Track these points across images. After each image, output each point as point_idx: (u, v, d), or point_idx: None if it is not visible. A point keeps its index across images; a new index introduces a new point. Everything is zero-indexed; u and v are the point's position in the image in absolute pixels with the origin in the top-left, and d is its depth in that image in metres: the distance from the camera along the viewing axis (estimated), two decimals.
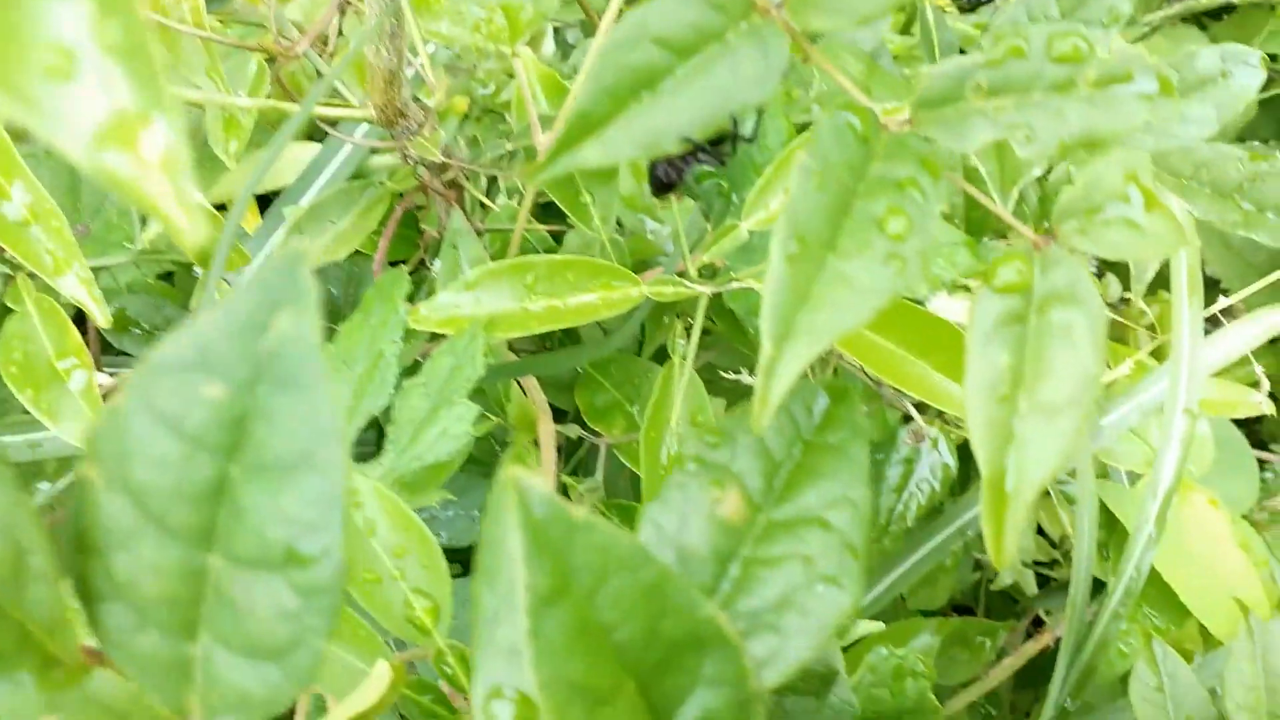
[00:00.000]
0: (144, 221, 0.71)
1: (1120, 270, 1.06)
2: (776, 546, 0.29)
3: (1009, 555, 0.27)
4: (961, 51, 0.72)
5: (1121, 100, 0.31)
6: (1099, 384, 0.28)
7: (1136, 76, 0.32)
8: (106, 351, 0.84)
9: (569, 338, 0.78)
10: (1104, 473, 0.82)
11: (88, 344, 0.85)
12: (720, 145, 0.33)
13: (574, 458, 0.79)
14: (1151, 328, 0.97)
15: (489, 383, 0.69)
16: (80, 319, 0.84)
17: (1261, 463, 1.12)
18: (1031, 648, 0.88)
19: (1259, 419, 1.30)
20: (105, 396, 0.75)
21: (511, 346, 0.75)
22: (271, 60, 0.65)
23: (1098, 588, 0.70)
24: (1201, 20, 1.30)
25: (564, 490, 0.72)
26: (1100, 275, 1.09)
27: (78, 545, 0.25)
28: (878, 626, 0.60)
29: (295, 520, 0.24)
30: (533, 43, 0.87)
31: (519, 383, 0.69)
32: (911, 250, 0.29)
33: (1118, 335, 1.07)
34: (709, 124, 0.32)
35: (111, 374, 0.76)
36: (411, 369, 0.60)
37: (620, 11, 0.47)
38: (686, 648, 0.26)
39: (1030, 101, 0.31)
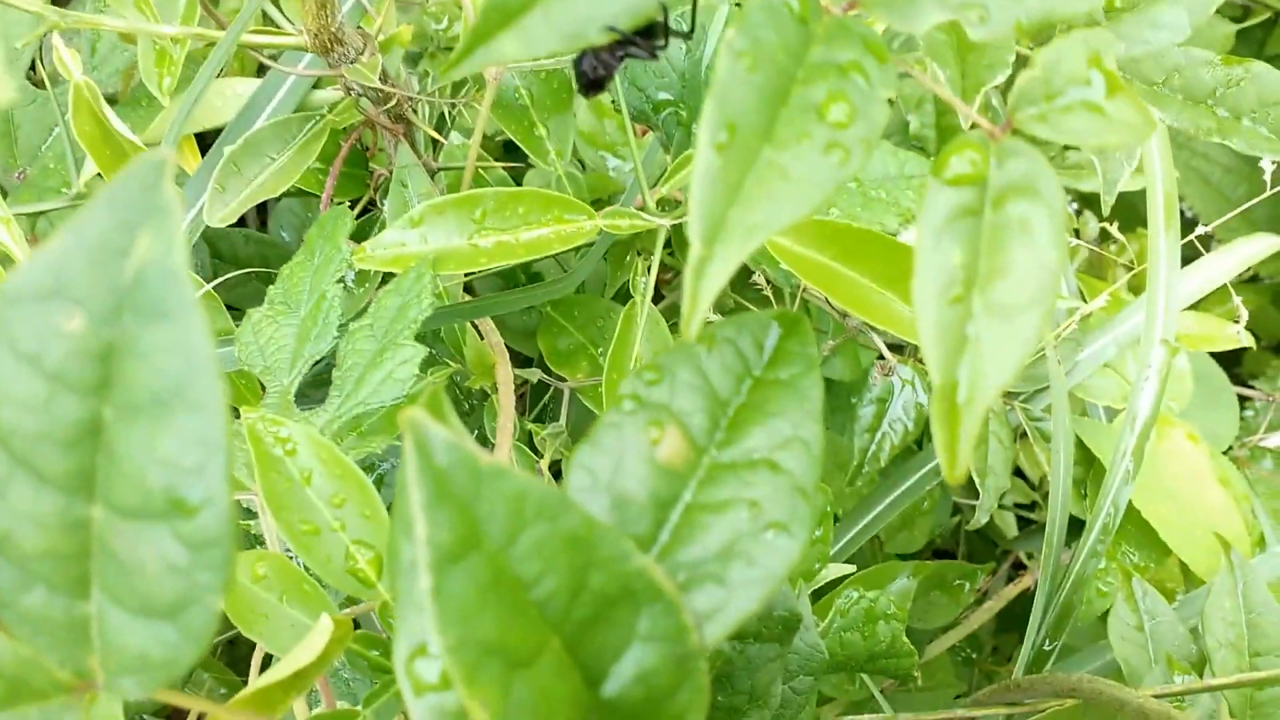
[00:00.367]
0: (79, 166, 0.68)
1: (1098, 207, 1.04)
2: (721, 491, 0.27)
3: (963, 469, 0.25)
4: None
5: None
6: (1059, 283, 0.26)
7: None
8: None
9: (532, 281, 0.75)
10: (1082, 410, 0.80)
11: None
12: (652, 37, 0.30)
13: (540, 403, 0.76)
14: (1130, 265, 0.95)
15: (446, 326, 0.66)
16: None
17: (1243, 399, 1.10)
18: (1012, 590, 0.87)
19: (1241, 356, 1.29)
20: None
21: (471, 289, 0.73)
22: None
23: (1078, 528, 0.68)
24: None
25: (528, 436, 0.70)
26: (1079, 213, 1.07)
27: None
28: (849, 569, 0.58)
29: (174, 465, 0.22)
30: None
31: (476, 327, 0.66)
32: (854, 138, 0.26)
33: (1097, 272, 1.05)
34: (637, 12, 0.29)
35: None
36: (363, 312, 0.57)
37: None
38: (618, 602, 0.23)
39: None
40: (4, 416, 0.22)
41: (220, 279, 0.67)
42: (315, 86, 0.68)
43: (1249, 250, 0.81)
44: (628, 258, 0.71)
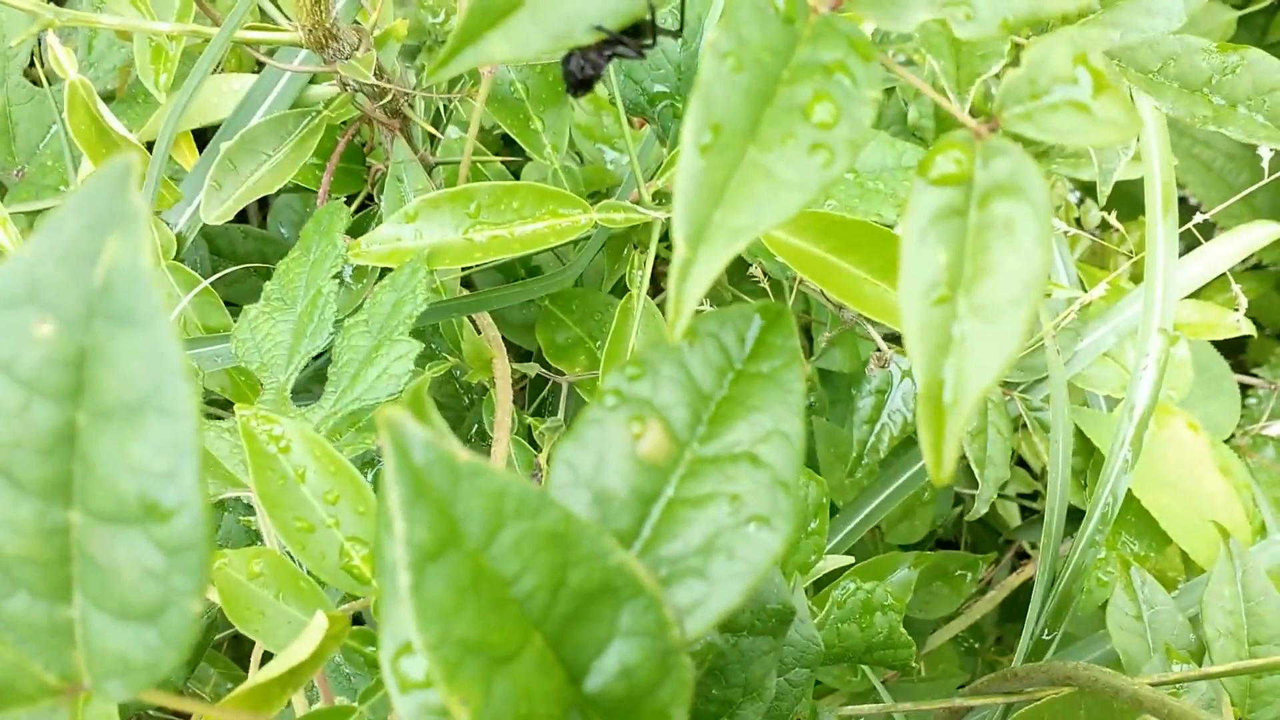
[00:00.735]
0: (77, 164, 0.68)
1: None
2: (703, 485, 0.27)
3: (948, 470, 0.25)
4: None
5: None
6: (1044, 283, 0.26)
7: None
8: None
9: (531, 275, 0.75)
10: (1083, 400, 0.80)
11: None
12: (639, 35, 0.30)
13: (539, 397, 0.76)
14: (1131, 254, 0.95)
15: (445, 321, 0.66)
16: None
17: (1246, 387, 1.10)
18: (1015, 580, 0.87)
19: (1244, 344, 1.29)
20: None
21: (470, 284, 0.73)
22: None
23: (1078, 517, 0.68)
24: None
25: (528, 430, 0.70)
26: (1080, 201, 1.06)
27: None
28: (848, 560, 0.58)
29: (146, 470, 0.22)
30: None
31: (474, 321, 0.66)
32: (840, 139, 0.26)
33: (1099, 262, 1.05)
34: (623, 11, 0.29)
35: None
36: (360, 308, 0.57)
37: None
38: (599, 598, 0.23)
39: None
40: None
41: (218, 275, 0.67)
42: (312, 82, 0.68)
43: (1249, 238, 0.81)
44: (625, 251, 0.71)
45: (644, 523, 0.27)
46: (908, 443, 0.78)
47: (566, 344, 0.70)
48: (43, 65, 0.74)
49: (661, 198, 0.61)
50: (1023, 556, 0.99)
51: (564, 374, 0.70)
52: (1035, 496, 0.99)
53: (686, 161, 0.25)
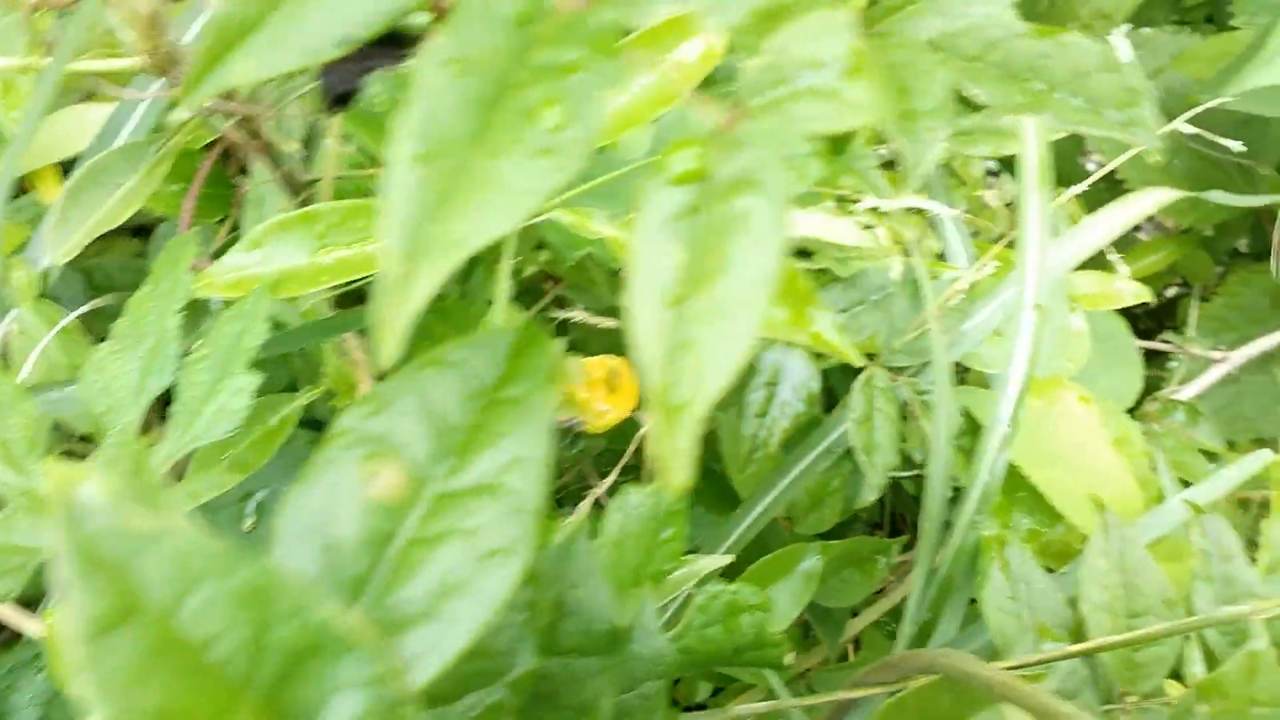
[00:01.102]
0: None
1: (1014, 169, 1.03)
2: (441, 522, 0.26)
3: (683, 475, 0.24)
4: None
5: None
6: (776, 278, 0.25)
7: None
8: None
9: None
10: (983, 380, 0.80)
11: None
12: (398, 44, 0.29)
13: None
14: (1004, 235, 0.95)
15: (311, 345, 0.65)
16: None
17: (1164, 354, 1.10)
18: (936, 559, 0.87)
19: (1174, 308, 1.30)
20: None
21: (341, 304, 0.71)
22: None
23: None
24: None
25: None
26: (996, 174, 1.06)
27: None
28: (725, 561, 0.58)
29: None
30: None
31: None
32: (570, 140, 0.25)
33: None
34: (372, 24, 0.29)
35: None
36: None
37: None
38: (310, 654, 0.23)
39: None
40: None
41: (81, 310, 0.66)
42: (173, 106, 0.67)
43: (1136, 207, 0.81)
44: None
45: (378, 567, 0.26)
46: (806, 431, 0.78)
47: None
48: None
49: None
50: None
51: None
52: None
53: (399, 174, 0.24)
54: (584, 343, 0.76)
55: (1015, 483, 0.68)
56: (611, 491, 0.70)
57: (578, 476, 0.80)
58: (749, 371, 0.73)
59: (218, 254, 0.66)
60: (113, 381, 0.54)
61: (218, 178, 0.70)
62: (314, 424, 0.73)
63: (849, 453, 0.74)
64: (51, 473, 0.41)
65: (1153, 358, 1.10)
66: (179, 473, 0.60)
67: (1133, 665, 0.53)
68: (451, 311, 0.70)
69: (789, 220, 0.26)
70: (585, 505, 0.67)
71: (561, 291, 0.75)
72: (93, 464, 0.49)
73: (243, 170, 0.72)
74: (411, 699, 0.22)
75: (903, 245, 0.73)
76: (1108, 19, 1.26)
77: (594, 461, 0.80)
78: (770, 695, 0.72)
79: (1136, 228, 1.12)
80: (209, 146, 0.68)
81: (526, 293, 0.81)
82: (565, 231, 0.57)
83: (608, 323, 0.66)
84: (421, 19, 0.34)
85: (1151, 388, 1.03)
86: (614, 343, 0.62)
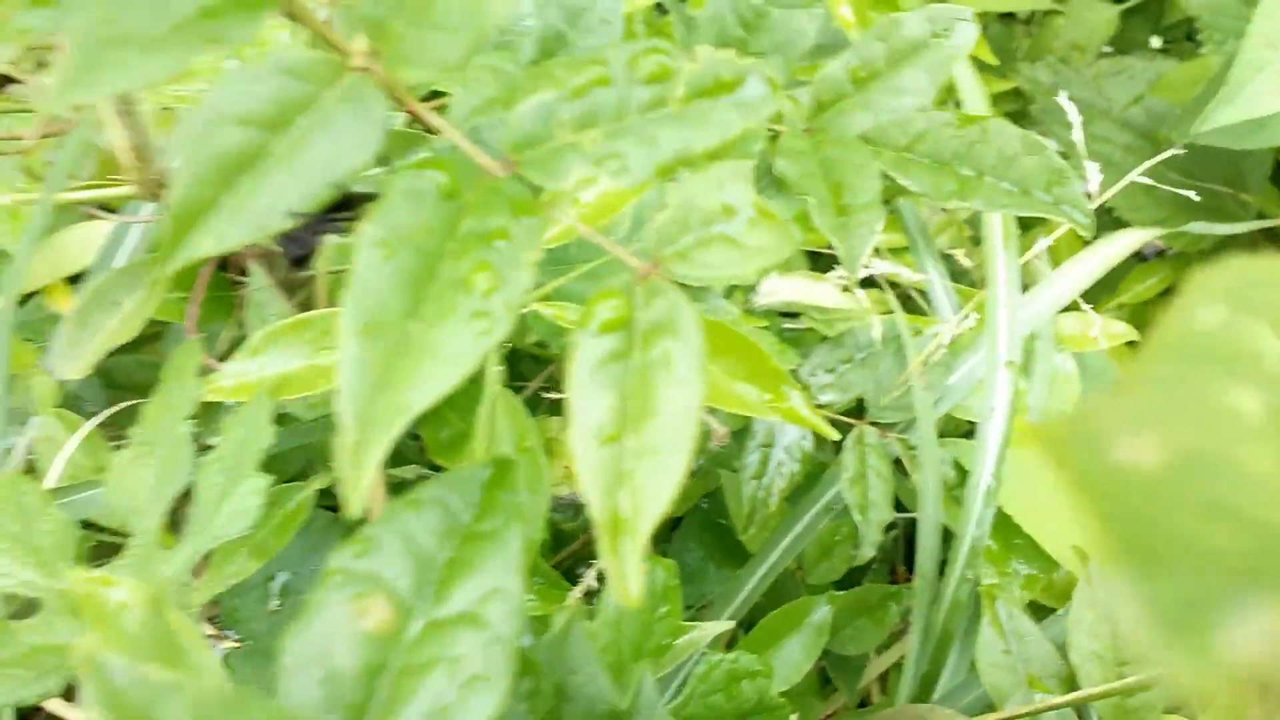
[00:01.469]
0: None
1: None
2: (427, 651, 0.29)
3: (635, 590, 0.27)
4: None
5: (714, 112, 0.30)
6: (698, 419, 0.27)
7: (746, 82, 0.31)
8: None
9: None
10: (970, 430, 0.82)
11: None
12: (346, 208, 0.32)
13: None
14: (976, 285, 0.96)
15: (320, 439, 0.68)
16: None
17: None
18: None
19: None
20: None
21: None
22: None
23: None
24: None
25: None
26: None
27: None
28: (727, 626, 0.59)
29: None
30: None
31: None
32: (500, 304, 0.28)
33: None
34: (316, 197, 0.31)
35: None
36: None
37: None
38: None
39: (624, 128, 0.30)
40: None
41: (109, 411, 0.69)
42: None
43: (1116, 247, 0.83)
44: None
45: (374, 696, 0.28)
46: (809, 484, 0.80)
47: (450, 439, 0.72)
48: None
49: None
50: None
51: (445, 469, 0.71)
52: None
53: (346, 350, 0.27)
54: None
55: (1012, 531, 0.70)
56: None
57: (585, 544, 0.82)
58: (744, 434, 0.75)
59: (226, 354, 0.69)
60: (133, 486, 0.57)
61: (219, 282, 0.73)
62: (331, 506, 0.76)
63: (827, 508, 0.76)
64: (82, 583, 0.44)
65: None
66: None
67: (1125, 711, 0.55)
68: (456, 396, 0.72)
69: (704, 360, 0.28)
70: (591, 576, 0.69)
71: (553, 371, 0.77)
72: (118, 570, 0.52)
73: (243, 272, 0.76)
74: None
75: (886, 303, 0.75)
76: (1081, 50, 1.28)
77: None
78: None
79: (1137, 252, 1.14)
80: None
81: (518, 373, 0.84)
82: (548, 322, 0.60)
83: None
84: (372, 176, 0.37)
85: None
86: None
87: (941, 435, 0.73)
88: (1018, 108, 1.30)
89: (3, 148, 0.61)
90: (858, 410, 0.75)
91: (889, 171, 0.44)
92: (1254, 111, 0.75)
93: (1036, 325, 0.74)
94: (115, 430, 0.74)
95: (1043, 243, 0.72)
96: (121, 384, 0.82)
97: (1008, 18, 1.44)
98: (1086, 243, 0.87)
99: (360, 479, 0.26)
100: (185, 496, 0.59)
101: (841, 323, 0.72)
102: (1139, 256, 1.30)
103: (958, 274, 0.92)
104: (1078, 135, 0.67)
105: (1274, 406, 0.17)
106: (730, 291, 0.71)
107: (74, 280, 0.74)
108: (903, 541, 1.00)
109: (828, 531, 0.85)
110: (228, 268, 0.73)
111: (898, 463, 0.76)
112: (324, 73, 0.31)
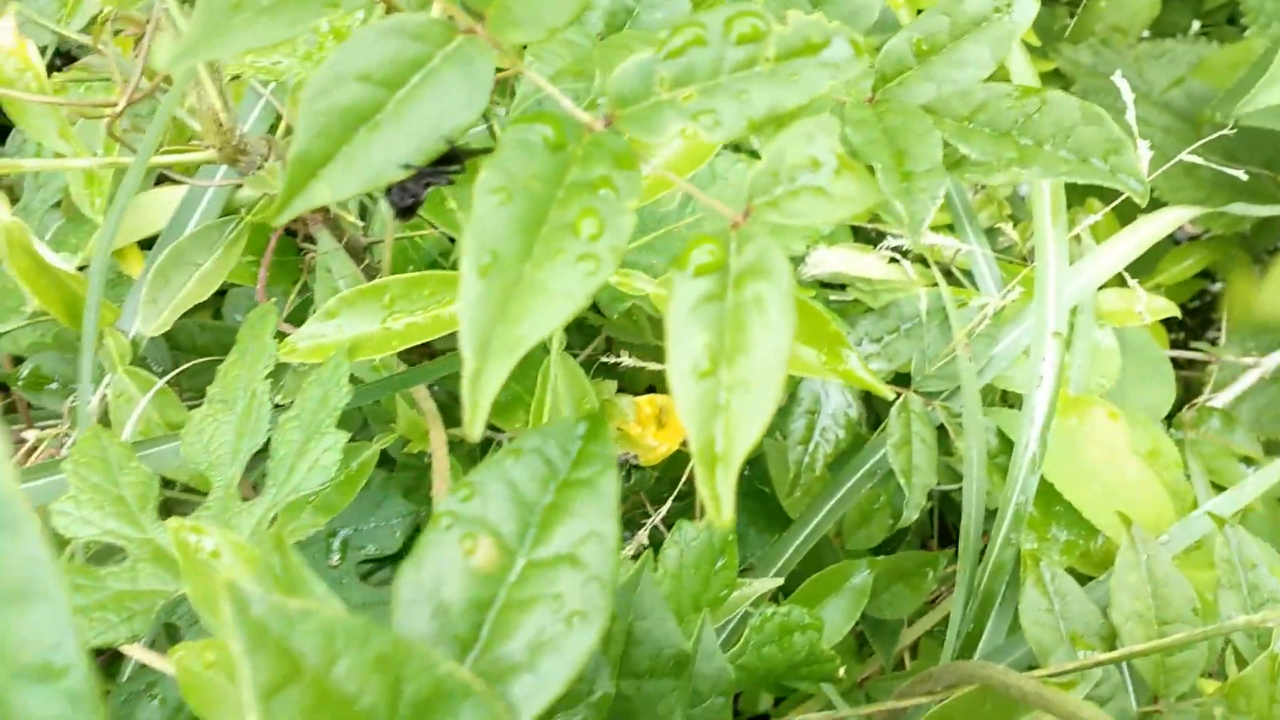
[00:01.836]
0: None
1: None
2: (530, 589, 0.31)
3: (727, 515, 0.29)
4: None
5: (804, 71, 0.32)
6: (789, 354, 0.29)
7: (832, 44, 0.33)
8: (32, 408, 0.87)
9: None
10: (1018, 399, 0.83)
11: (14, 406, 0.87)
12: (451, 162, 0.34)
13: (487, 455, 0.80)
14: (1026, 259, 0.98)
15: (383, 398, 0.70)
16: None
17: (1201, 362, 1.12)
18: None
19: (1213, 307, 1.32)
20: (34, 451, 0.77)
21: (409, 359, 0.77)
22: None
23: None
24: None
25: None
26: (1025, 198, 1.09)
27: None
28: (776, 583, 0.62)
29: (38, 642, 0.26)
30: None
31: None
32: (605, 248, 0.30)
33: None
34: (427, 150, 0.33)
35: (42, 428, 0.79)
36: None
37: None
38: (436, 703, 0.27)
39: (717, 86, 0.32)
40: None
41: (172, 373, 0.72)
42: (240, 187, 0.73)
43: (1157, 225, 0.84)
44: None
45: (481, 628, 0.30)
46: (850, 452, 0.82)
47: (506, 402, 0.74)
48: None
49: None
50: None
51: (503, 431, 0.74)
52: None
53: (467, 285, 0.29)
54: (631, 380, 0.80)
55: (1052, 498, 0.72)
56: (667, 519, 0.74)
57: (635, 505, 0.85)
58: (791, 400, 0.77)
59: (292, 316, 0.72)
60: (211, 442, 0.59)
61: (286, 247, 0.76)
62: (387, 463, 0.79)
63: (893, 471, 0.78)
64: (175, 532, 0.46)
65: (1191, 362, 1.13)
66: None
67: (1165, 669, 0.57)
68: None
69: (794, 300, 0.30)
70: (643, 535, 0.72)
71: (610, 334, 0.80)
72: (205, 519, 0.55)
73: (309, 238, 0.78)
74: None
75: (929, 276, 0.77)
76: (1123, 33, 1.29)
77: (649, 491, 0.84)
78: (829, 704, 0.76)
79: (1171, 236, 1.15)
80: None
81: (577, 340, 0.86)
82: (610, 288, 0.62)
83: (653, 365, 0.71)
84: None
85: (1194, 392, 1.05)
86: (660, 381, 0.66)
87: (983, 405, 0.74)
88: (1059, 88, 1.31)
89: (87, 114, 0.64)
90: (901, 381, 0.77)
91: (950, 140, 0.46)
92: None
93: (1080, 299, 0.76)
94: (180, 390, 0.77)
95: (1088, 220, 0.73)
96: (185, 346, 0.85)
97: (1051, 0, 1.45)
98: (1127, 221, 0.89)
99: (480, 404, 0.29)
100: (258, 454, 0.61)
101: (887, 294, 0.74)
102: (1172, 240, 1.31)
103: (998, 250, 0.93)
104: (1130, 115, 0.68)
105: None
106: None
107: (145, 245, 0.76)
108: (940, 508, 1.02)
109: (867, 498, 0.87)
110: (295, 234, 0.75)
111: (940, 431, 0.78)
112: (437, 34, 0.33)
